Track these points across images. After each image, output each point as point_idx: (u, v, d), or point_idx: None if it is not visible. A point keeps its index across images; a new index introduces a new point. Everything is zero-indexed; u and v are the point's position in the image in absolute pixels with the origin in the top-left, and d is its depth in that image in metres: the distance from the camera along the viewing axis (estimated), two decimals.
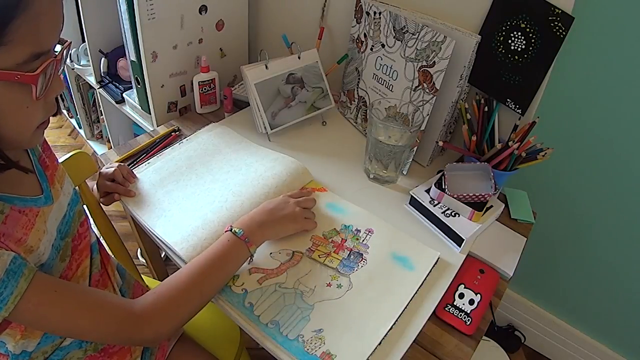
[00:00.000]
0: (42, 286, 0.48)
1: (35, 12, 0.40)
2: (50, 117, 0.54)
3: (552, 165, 0.95)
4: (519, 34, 0.76)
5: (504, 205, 0.82)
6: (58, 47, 0.48)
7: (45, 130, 0.52)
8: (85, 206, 0.81)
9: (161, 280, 1.02)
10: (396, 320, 0.62)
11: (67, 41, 0.49)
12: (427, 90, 0.81)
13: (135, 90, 1.19)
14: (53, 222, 0.56)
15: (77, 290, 0.52)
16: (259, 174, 0.82)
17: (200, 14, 1.08)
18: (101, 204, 0.82)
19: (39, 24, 0.41)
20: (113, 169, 0.78)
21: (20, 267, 0.46)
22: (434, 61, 0.78)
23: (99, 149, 1.94)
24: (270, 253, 0.70)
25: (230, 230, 0.64)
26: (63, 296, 0.49)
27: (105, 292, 0.57)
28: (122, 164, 0.81)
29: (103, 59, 1.42)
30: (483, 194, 0.76)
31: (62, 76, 0.51)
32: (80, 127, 2.01)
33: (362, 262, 0.70)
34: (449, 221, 0.76)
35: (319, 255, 0.71)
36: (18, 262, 0.45)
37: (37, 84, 0.43)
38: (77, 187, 0.80)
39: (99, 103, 1.63)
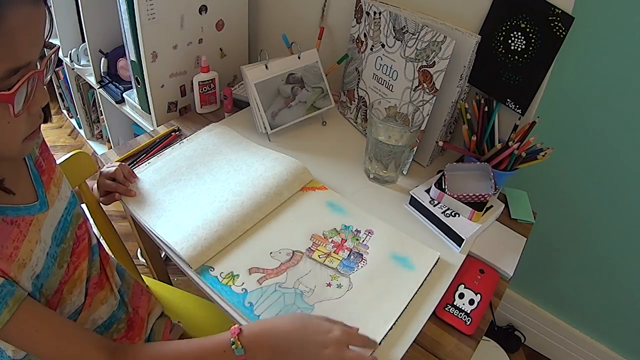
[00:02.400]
0: (24, 321, 0.47)
1: (10, 27, 0.37)
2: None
3: (552, 165, 0.95)
4: (519, 34, 0.76)
5: (504, 205, 0.82)
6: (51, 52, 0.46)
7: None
8: (85, 207, 0.82)
9: (161, 280, 1.02)
10: (396, 320, 0.62)
11: (55, 45, 0.46)
12: (427, 90, 0.81)
13: (135, 90, 1.19)
14: (48, 229, 0.54)
15: (59, 334, 0.50)
16: (259, 173, 0.82)
17: (200, 14, 1.08)
18: (101, 204, 0.82)
19: (15, 39, 0.38)
20: (114, 168, 0.77)
21: (5, 297, 0.45)
22: (434, 61, 0.78)
23: (99, 149, 1.94)
24: (270, 253, 0.70)
25: (235, 337, 0.52)
26: (43, 338, 0.49)
27: (91, 337, 0.52)
28: (123, 163, 0.81)
29: (103, 59, 1.42)
30: (483, 194, 0.76)
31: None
32: (80, 127, 2.01)
33: (362, 262, 0.70)
34: (449, 221, 0.76)
35: (319, 256, 0.71)
36: (5, 289, 0.45)
37: (14, 102, 0.40)
38: (77, 187, 0.80)
39: (99, 103, 1.63)
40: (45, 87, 0.46)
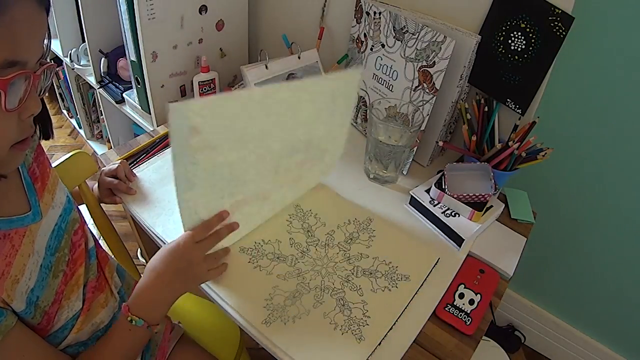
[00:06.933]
0: (8, 351, 0.47)
1: (13, 19, 0.38)
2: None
3: (552, 165, 0.95)
4: (519, 34, 0.76)
5: (504, 205, 0.82)
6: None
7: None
8: (85, 207, 0.81)
9: None
10: (396, 320, 0.62)
11: (50, 62, 0.46)
12: (427, 90, 0.81)
13: (135, 90, 1.19)
14: (42, 239, 0.54)
15: None
16: None
17: (200, 14, 1.08)
18: (101, 204, 0.82)
19: (15, 30, 0.39)
20: (116, 165, 0.77)
21: None
22: (434, 61, 0.78)
23: (99, 149, 1.94)
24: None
25: (130, 320, 0.57)
26: None
27: None
28: (124, 161, 0.80)
29: (103, 59, 1.42)
30: (483, 194, 0.76)
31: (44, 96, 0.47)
32: (80, 127, 2.01)
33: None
34: (449, 221, 0.76)
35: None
36: None
37: (7, 91, 0.40)
38: (76, 187, 0.80)
39: (99, 103, 1.63)
40: (38, 97, 0.45)
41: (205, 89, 1.05)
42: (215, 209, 0.61)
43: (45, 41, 0.44)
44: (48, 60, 0.46)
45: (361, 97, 0.99)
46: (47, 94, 0.47)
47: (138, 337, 0.59)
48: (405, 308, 0.64)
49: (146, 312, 0.58)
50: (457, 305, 0.67)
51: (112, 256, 0.80)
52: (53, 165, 0.65)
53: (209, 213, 0.61)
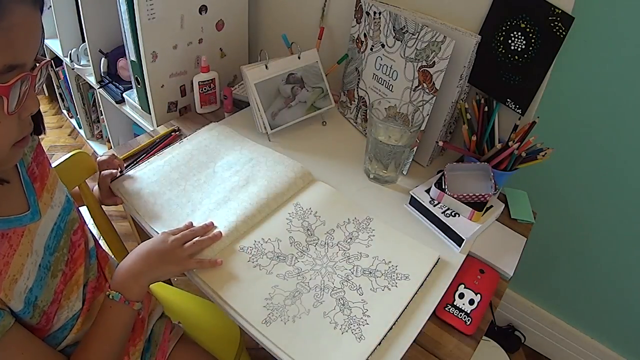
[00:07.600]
0: (5, 350, 0.47)
1: (10, 23, 0.38)
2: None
3: (552, 165, 0.95)
4: (519, 34, 0.76)
5: (504, 205, 0.82)
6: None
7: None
8: (85, 207, 0.81)
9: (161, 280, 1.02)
10: (396, 320, 0.62)
11: (46, 59, 0.46)
12: (427, 90, 0.81)
13: (135, 90, 1.19)
14: (41, 239, 0.54)
15: None
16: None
17: (200, 14, 1.09)
18: (101, 205, 0.82)
19: (14, 35, 0.39)
20: (106, 157, 0.78)
21: None
22: (434, 61, 0.78)
23: (99, 149, 1.94)
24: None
25: (108, 295, 0.59)
26: None
27: None
28: (114, 154, 0.81)
29: (103, 59, 1.42)
30: (483, 194, 0.76)
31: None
32: (80, 127, 2.01)
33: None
34: (449, 221, 0.76)
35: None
36: None
37: (9, 96, 0.41)
38: (76, 187, 0.80)
39: (99, 103, 1.63)
40: (36, 95, 0.46)
41: (205, 89, 1.05)
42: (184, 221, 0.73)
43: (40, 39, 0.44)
44: (45, 57, 0.47)
45: (361, 97, 0.99)
46: (45, 94, 0.47)
47: (120, 315, 0.59)
48: (405, 308, 0.64)
49: (122, 287, 0.60)
50: (457, 305, 0.67)
51: (112, 256, 0.80)
52: (53, 165, 0.65)
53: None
